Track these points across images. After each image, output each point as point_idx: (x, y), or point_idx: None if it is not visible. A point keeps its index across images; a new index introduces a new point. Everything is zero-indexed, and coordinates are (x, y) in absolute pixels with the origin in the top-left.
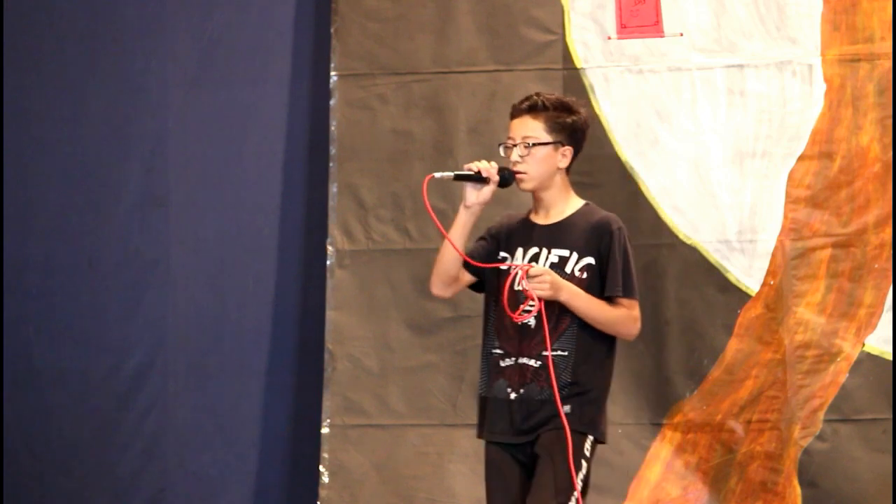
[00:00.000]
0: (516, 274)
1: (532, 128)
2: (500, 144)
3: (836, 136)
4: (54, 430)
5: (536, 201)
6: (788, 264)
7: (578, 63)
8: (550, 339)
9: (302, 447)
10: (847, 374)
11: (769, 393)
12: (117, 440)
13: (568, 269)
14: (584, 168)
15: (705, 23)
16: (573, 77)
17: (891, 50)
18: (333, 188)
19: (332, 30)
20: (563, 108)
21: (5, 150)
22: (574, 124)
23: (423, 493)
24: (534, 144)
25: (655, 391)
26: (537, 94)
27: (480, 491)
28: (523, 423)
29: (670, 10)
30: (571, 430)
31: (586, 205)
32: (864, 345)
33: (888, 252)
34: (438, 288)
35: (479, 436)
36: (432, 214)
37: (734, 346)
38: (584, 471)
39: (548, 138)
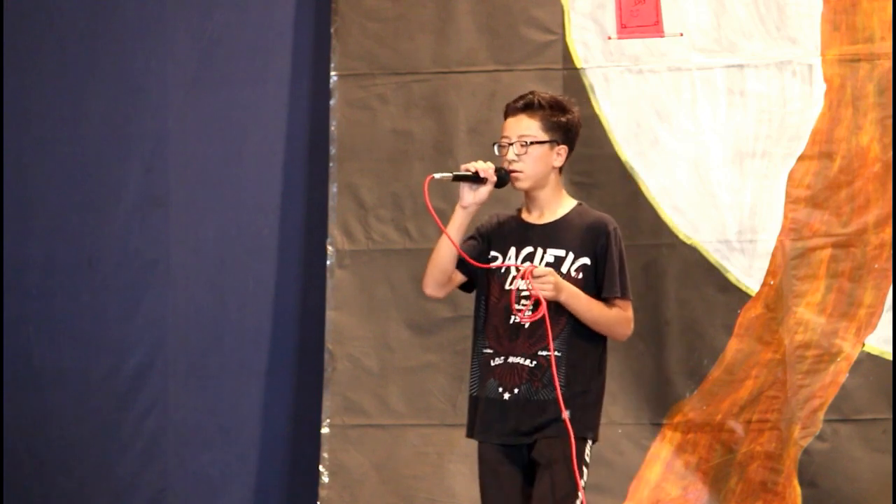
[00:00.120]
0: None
1: (528, 126)
2: (494, 143)
3: (836, 136)
4: (54, 430)
5: (530, 200)
6: (788, 264)
7: (578, 63)
8: (546, 340)
9: (302, 447)
10: (847, 374)
11: (769, 393)
12: (117, 440)
13: (564, 269)
14: (584, 168)
15: (705, 23)
16: (573, 77)
17: (891, 50)
18: (333, 188)
19: (332, 30)
20: (558, 106)
21: (5, 150)
22: (569, 123)
23: (423, 493)
24: (531, 143)
25: (655, 391)
26: (532, 93)
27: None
28: (520, 425)
29: (670, 10)
30: (574, 437)
31: (579, 205)
32: (864, 345)
33: (888, 252)
34: (432, 288)
35: (470, 436)
36: (434, 215)
37: (734, 346)
38: (585, 476)
39: (544, 137)
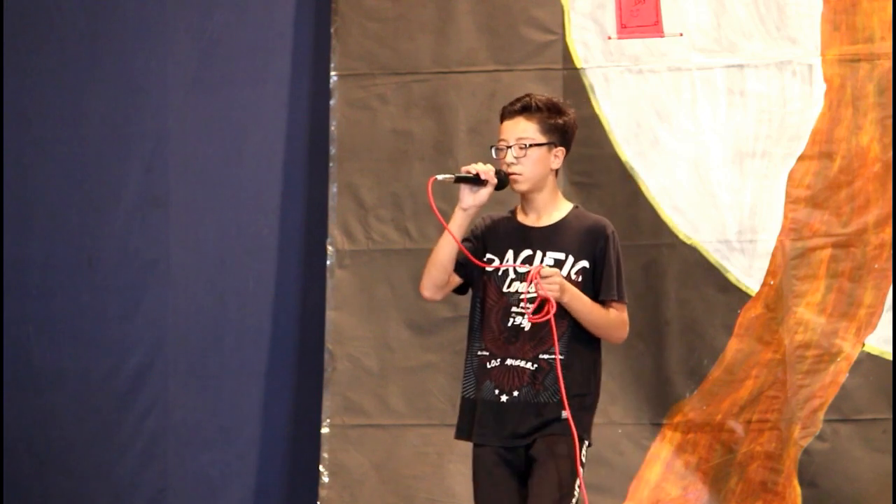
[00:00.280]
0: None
1: (526, 129)
2: (491, 147)
3: (836, 136)
4: (54, 430)
5: (527, 203)
6: (788, 264)
7: (578, 63)
8: (547, 343)
9: (302, 447)
10: (847, 374)
11: (769, 393)
12: (117, 440)
13: (563, 272)
14: (584, 168)
15: (705, 23)
16: (573, 77)
17: (891, 50)
18: (333, 188)
19: (332, 30)
20: (555, 109)
21: (5, 150)
22: (566, 125)
23: (423, 493)
24: (530, 145)
25: (655, 391)
26: (529, 96)
27: None
28: (518, 427)
29: (670, 10)
30: (571, 437)
31: (576, 207)
32: (864, 345)
33: (888, 252)
34: (430, 290)
35: (460, 437)
36: (438, 214)
37: (734, 346)
38: (581, 476)
39: (542, 139)
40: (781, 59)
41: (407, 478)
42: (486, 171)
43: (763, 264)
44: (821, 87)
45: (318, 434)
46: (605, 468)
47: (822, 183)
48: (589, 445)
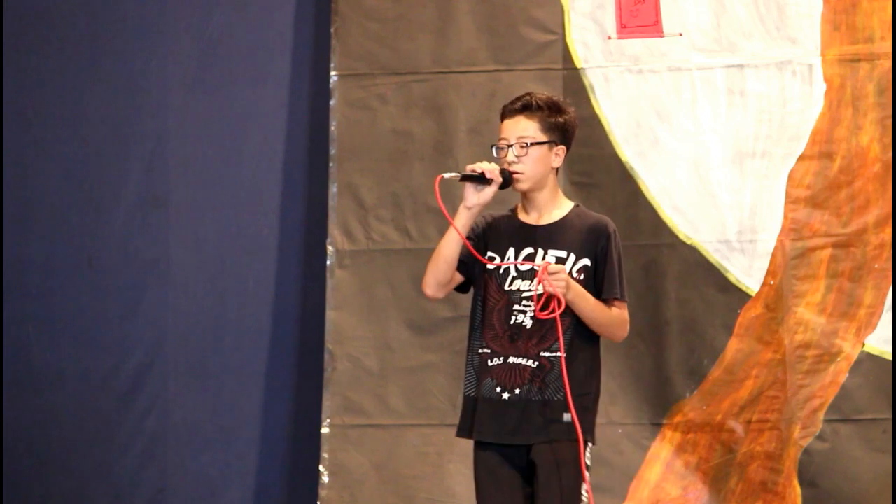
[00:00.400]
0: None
1: (527, 128)
2: (492, 146)
3: (836, 136)
4: (54, 430)
5: (528, 202)
6: (788, 264)
7: (578, 63)
8: (549, 341)
9: (302, 447)
10: (847, 374)
11: (769, 393)
12: (117, 440)
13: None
14: (584, 168)
15: (705, 23)
16: (573, 77)
17: (891, 50)
18: (333, 188)
19: (332, 30)
20: (555, 107)
21: (5, 150)
22: (566, 123)
23: (423, 493)
24: (531, 144)
25: (655, 391)
26: (529, 94)
27: None
28: (520, 425)
29: (670, 10)
30: (575, 440)
31: (577, 206)
32: (864, 345)
33: (888, 252)
34: (433, 288)
35: (461, 435)
36: (445, 211)
37: (734, 346)
38: (587, 482)
39: (543, 138)
40: (781, 59)
41: (407, 478)
42: (491, 169)
43: (763, 264)
44: (821, 87)
45: (318, 434)
46: (605, 468)
47: (822, 183)
48: (594, 445)
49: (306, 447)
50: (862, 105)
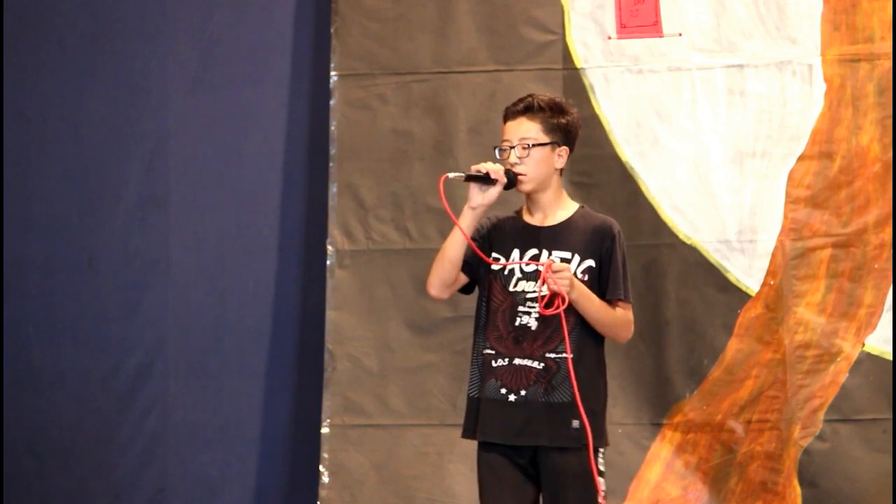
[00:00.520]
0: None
1: (529, 129)
2: (495, 147)
3: (836, 136)
4: (54, 430)
5: (532, 203)
6: (788, 264)
7: (578, 63)
8: (554, 342)
9: (302, 447)
10: (847, 374)
11: (769, 393)
12: (117, 440)
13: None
14: (585, 168)
15: (705, 23)
16: (573, 77)
17: (891, 50)
18: (333, 188)
19: (332, 30)
20: (558, 108)
21: (5, 150)
22: (569, 124)
23: (423, 493)
24: (533, 145)
25: (655, 391)
26: (531, 96)
27: None
28: (525, 426)
29: (670, 10)
30: (585, 447)
31: (581, 207)
32: (864, 345)
33: (888, 252)
34: (438, 289)
35: (465, 435)
36: (449, 211)
37: (734, 346)
38: (604, 485)
39: (545, 139)
40: (781, 59)
41: (407, 478)
42: (496, 170)
43: (763, 264)
44: (821, 87)
45: (318, 434)
46: (605, 468)
47: (822, 183)
48: (607, 446)
49: (306, 447)
50: (862, 105)
